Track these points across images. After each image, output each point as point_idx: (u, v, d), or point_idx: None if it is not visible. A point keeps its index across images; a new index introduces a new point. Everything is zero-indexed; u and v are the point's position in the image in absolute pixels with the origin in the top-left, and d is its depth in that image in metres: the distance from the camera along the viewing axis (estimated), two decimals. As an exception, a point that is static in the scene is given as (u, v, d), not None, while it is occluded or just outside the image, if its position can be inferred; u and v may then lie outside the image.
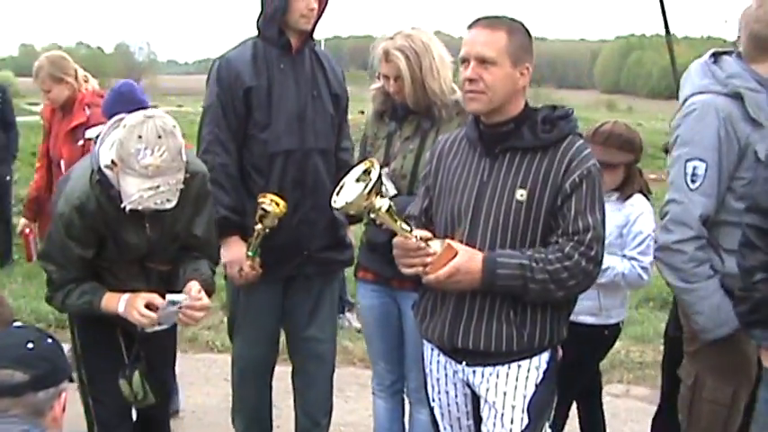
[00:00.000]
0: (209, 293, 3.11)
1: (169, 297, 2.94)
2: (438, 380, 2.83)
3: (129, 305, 2.92)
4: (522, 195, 2.57)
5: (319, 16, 3.47)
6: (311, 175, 3.51)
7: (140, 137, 2.71)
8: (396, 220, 2.61)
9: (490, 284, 2.52)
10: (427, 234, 2.64)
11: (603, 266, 3.26)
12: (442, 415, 2.87)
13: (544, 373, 2.66)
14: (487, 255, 2.54)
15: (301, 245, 3.46)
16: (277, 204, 3.29)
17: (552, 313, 2.65)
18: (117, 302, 2.95)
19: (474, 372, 2.70)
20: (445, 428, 2.88)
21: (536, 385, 2.64)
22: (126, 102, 4.17)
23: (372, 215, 2.61)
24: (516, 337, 2.61)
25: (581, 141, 2.63)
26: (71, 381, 2.29)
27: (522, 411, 2.62)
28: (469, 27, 2.62)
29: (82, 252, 2.93)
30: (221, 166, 3.41)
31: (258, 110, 3.43)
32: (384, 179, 2.85)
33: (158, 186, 2.73)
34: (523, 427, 2.62)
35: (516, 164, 2.60)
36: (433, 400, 2.89)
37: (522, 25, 2.63)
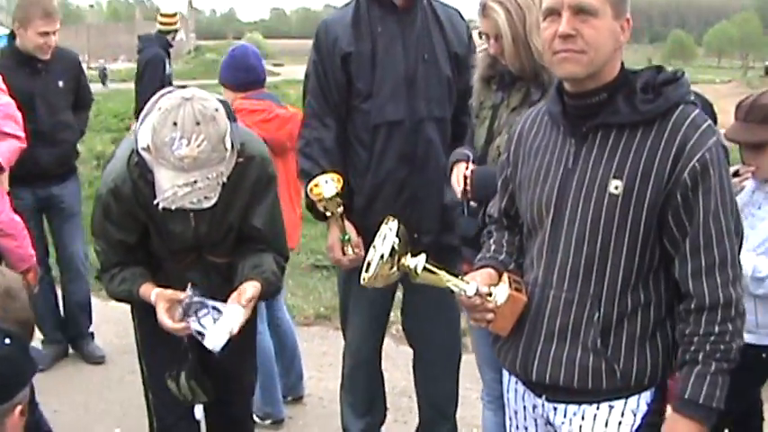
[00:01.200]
0: (272, 293, 2.80)
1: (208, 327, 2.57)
2: (516, 412, 2.30)
3: (156, 305, 2.62)
4: (616, 188, 1.97)
5: None
6: (422, 147, 3.11)
7: (175, 123, 2.33)
8: (440, 277, 2.13)
9: (710, 416, 1.96)
10: (484, 288, 2.13)
11: (762, 275, 2.60)
12: None
13: (643, 418, 2.06)
14: (675, 402, 2.00)
15: (409, 227, 3.01)
16: (335, 180, 2.94)
17: (655, 343, 2.04)
18: (149, 297, 2.66)
19: (555, 409, 2.15)
20: None
21: None
22: (237, 67, 3.95)
23: (413, 280, 2.15)
24: (606, 372, 2.03)
25: (696, 111, 1.98)
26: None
27: None
28: None
29: (122, 237, 2.66)
30: (317, 141, 3.11)
31: (359, 78, 3.07)
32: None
33: (195, 182, 2.36)
34: None
35: (610, 146, 1.99)
36: None
37: None
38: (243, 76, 3.93)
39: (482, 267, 2.27)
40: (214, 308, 2.59)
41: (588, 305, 2.03)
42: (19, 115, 3.91)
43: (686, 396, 1.95)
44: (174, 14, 7.59)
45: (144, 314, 2.85)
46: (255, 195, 2.71)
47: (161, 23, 7.54)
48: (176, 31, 7.52)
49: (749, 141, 2.78)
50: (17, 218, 3.53)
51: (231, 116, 2.51)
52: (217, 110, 2.39)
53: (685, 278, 1.97)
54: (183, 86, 2.58)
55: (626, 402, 2.05)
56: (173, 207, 2.40)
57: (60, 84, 4.68)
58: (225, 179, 2.44)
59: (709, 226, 1.93)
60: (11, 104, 3.87)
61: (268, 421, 4.22)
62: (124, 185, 2.57)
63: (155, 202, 2.42)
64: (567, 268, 2.06)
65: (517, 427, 2.31)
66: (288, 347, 4.35)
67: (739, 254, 2.01)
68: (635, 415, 2.05)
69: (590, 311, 2.03)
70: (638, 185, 1.95)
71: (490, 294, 2.13)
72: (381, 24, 3.07)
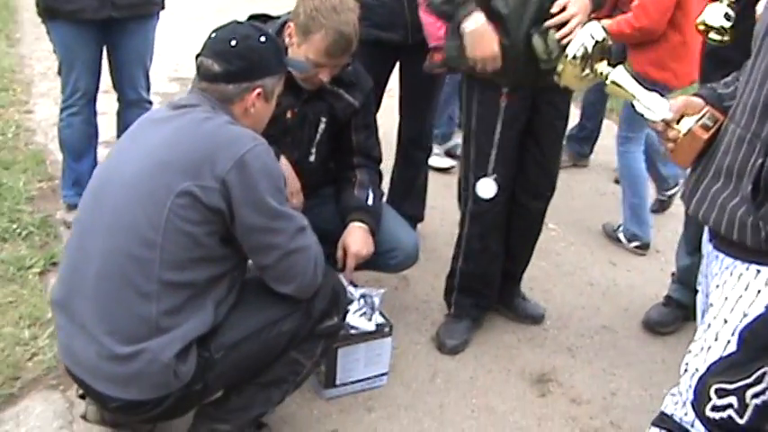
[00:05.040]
0: None
1: None
2: (708, 254, 2.11)
3: None
4: None
5: None
6: None
7: None
8: (630, 93, 2.08)
9: None
10: (669, 115, 1.99)
11: None
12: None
13: None
14: None
15: None
16: None
17: None
18: None
19: (717, 257, 1.99)
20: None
21: (767, 307, 1.83)
22: None
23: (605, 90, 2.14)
24: (751, 228, 1.83)
25: None
26: (283, 71, 2.52)
27: (733, 333, 1.86)
28: None
29: None
30: None
31: None
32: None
33: None
34: (725, 353, 1.87)
35: None
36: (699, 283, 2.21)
37: None
38: None
39: (698, 95, 2.09)
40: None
41: (756, 148, 1.82)
42: None
43: None
44: None
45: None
46: None
47: None
48: None
49: None
50: None
51: None
52: None
53: None
54: None
55: (774, 273, 1.83)
56: None
57: None
58: None
59: None
60: None
61: (634, 244, 4.33)
62: None
63: None
64: (749, 102, 1.86)
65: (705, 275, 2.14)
66: None
67: None
68: None
69: (756, 156, 1.82)
70: None
71: (677, 122, 2.01)
72: None
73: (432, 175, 4.35)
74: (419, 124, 3.99)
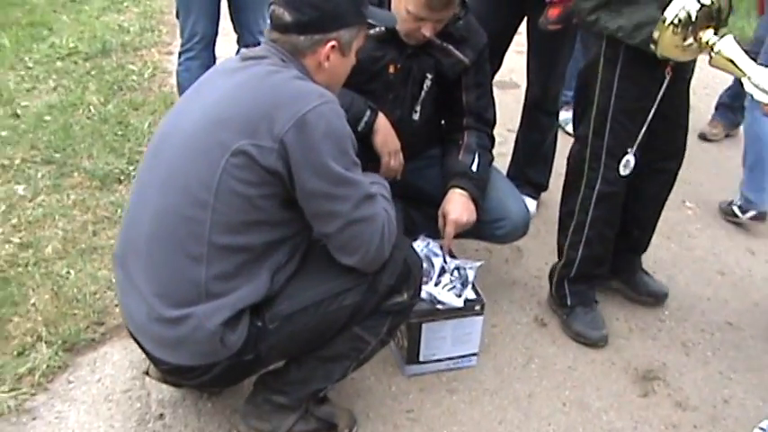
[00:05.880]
0: None
1: None
2: None
3: None
4: None
5: None
6: None
7: None
8: (738, 69, 1.85)
9: None
10: None
11: None
12: None
13: None
14: None
15: None
16: None
17: None
18: None
19: None
20: None
21: None
22: None
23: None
24: None
25: None
26: (363, 23, 2.29)
27: None
28: None
29: None
30: None
31: None
32: None
33: None
34: None
35: None
36: None
37: None
38: None
39: None
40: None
41: None
42: None
43: None
44: None
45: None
46: None
47: None
48: None
49: None
50: None
51: None
52: None
53: None
54: None
55: None
56: None
57: None
58: None
59: None
60: None
61: (749, 214, 3.94)
62: None
63: None
64: None
65: None
66: None
67: None
68: None
69: None
70: None
71: None
72: None
73: (563, 140, 4.05)
74: (543, 86, 3.69)
